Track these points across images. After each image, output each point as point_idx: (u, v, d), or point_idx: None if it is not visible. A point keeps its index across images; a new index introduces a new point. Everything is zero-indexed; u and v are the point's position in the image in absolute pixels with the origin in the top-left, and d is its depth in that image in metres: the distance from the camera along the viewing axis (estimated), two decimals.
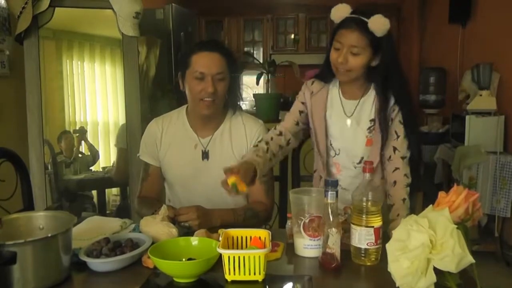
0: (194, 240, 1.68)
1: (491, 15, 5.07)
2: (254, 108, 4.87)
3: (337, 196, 1.62)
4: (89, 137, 3.97)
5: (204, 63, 2.14)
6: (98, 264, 1.60)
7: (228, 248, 1.61)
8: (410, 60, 7.58)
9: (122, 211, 3.87)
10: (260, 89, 6.28)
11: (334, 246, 1.59)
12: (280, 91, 6.20)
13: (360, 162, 2.16)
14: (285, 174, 2.58)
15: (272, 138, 2.11)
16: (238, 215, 2.11)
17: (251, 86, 5.50)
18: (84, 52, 3.99)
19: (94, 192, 4.07)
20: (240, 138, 2.28)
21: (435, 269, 1.14)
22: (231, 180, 1.76)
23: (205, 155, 2.27)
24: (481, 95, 4.58)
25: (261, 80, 4.81)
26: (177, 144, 2.30)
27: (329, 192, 1.61)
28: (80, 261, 1.59)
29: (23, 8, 3.10)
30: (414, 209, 2.06)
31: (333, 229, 1.59)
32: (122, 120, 3.74)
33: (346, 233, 1.68)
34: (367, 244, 1.62)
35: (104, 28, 3.89)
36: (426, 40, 7.39)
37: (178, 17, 4.78)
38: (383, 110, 2.09)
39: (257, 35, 8.31)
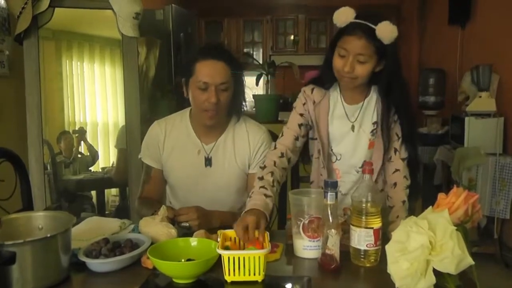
0: (193, 241, 1.68)
1: (491, 16, 5.08)
2: (254, 109, 4.87)
3: (336, 197, 1.61)
4: (89, 137, 3.97)
5: (208, 72, 2.08)
6: (97, 264, 1.60)
7: (227, 248, 1.61)
8: (409, 61, 7.58)
9: (121, 212, 3.87)
10: (260, 90, 6.28)
11: (334, 247, 1.59)
12: (279, 92, 6.21)
13: (362, 167, 2.15)
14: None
15: (275, 163, 2.00)
16: (238, 218, 2.09)
17: (251, 87, 5.49)
18: (83, 53, 4.00)
19: (93, 193, 4.08)
20: (243, 145, 2.27)
21: (434, 270, 1.14)
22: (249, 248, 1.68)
23: (208, 162, 2.25)
24: (480, 97, 4.58)
25: (261, 81, 4.81)
26: (180, 149, 2.28)
27: (329, 193, 1.60)
28: (79, 261, 1.59)
29: (23, 8, 3.10)
30: (414, 211, 2.06)
31: (333, 230, 1.58)
32: (121, 120, 3.74)
33: (345, 234, 1.68)
34: (366, 245, 1.62)
35: (103, 29, 3.89)
36: (426, 41, 7.39)
37: (178, 18, 4.79)
38: (386, 113, 2.07)
39: (257, 36, 8.32)
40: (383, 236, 1.66)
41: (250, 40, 8.34)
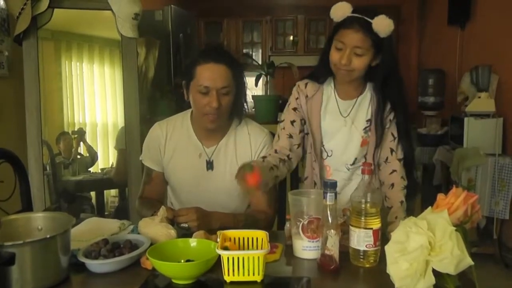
0: (193, 242, 1.67)
1: (490, 17, 5.08)
2: (253, 109, 4.87)
3: (336, 197, 1.61)
4: (88, 138, 3.97)
5: (209, 76, 2.06)
6: (96, 265, 1.60)
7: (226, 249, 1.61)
8: (409, 62, 7.59)
9: (121, 213, 3.87)
10: (259, 91, 6.28)
11: (333, 247, 1.59)
12: (279, 93, 6.21)
13: (353, 164, 2.16)
14: (284, 178, 2.58)
15: (269, 154, 2.07)
16: (238, 220, 2.09)
17: (250, 87, 5.49)
18: (83, 53, 3.99)
19: (92, 193, 4.07)
20: (245, 148, 2.26)
21: (434, 271, 1.14)
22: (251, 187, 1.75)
23: (210, 165, 2.24)
24: (479, 97, 4.59)
25: (260, 82, 4.81)
26: (181, 151, 2.27)
27: (328, 194, 1.60)
28: (79, 262, 1.59)
29: (22, 9, 3.10)
30: (413, 211, 2.06)
31: (332, 230, 1.58)
32: (121, 121, 3.74)
33: (345, 234, 1.68)
34: (365, 246, 1.62)
35: (103, 29, 3.89)
36: (425, 42, 7.40)
37: (177, 19, 4.78)
38: (380, 112, 2.09)
39: (256, 36, 8.32)
40: (382, 237, 1.66)
41: (249, 41, 8.34)
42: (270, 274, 1.55)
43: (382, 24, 1.92)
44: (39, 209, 3.05)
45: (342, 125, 2.13)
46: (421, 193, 4.80)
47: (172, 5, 4.71)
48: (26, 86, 3.23)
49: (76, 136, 3.90)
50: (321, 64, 2.13)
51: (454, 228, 1.16)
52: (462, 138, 4.56)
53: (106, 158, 4.15)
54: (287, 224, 1.85)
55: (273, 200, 2.30)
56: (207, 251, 1.57)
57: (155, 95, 4.46)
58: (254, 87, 5.05)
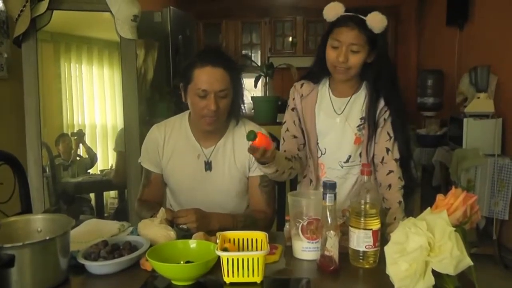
0: (192, 243, 1.68)
1: (489, 18, 5.08)
2: (252, 111, 4.87)
3: (335, 198, 1.62)
4: (87, 140, 3.96)
5: (207, 80, 2.06)
6: (96, 267, 1.60)
7: (226, 250, 1.61)
8: (408, 63, 7.60)
9: (120, 214, 3.86)
10: (258, 92, 6.29)
11: (332, 248, 1.59)
12: (278, 94, 6.21)
13: (347, 161, 2.17)
14: None
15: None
16: (237, 221, 2.10)
17: (249, 89, 5.49)
18: (82, 55, 3.99)
19: (92, 195, 4.07)
20: (243, 148, 2.24)
21: (433, 271, 1.15)
22: (252, 133, 1.75)
23: (208, 166, 2.25)
24: (478, 98, 4.59)
25: (259, 83, 4.82)
26: (179, 153, 2.28)
27: (327, 195, 1.61)
28: (78, 264, 1.59)
29: (21, 11, 3.10)
30: (412, 212, 2.07)
31: (331, 231, 1.59)
32: (120, 122, 3.74)
33: (344, 235, 1.68)
34: (365, 247, 1.62)
35: (102, 31, 3.89)
36: (424, 43, 7.40)
37: (176, 20, 4.78)
38: (373, 108, 2.11)
39: (255, 38, 8.32)
40: (381, 238, 1.66)
41: (248, 42, 8.34)
42: (269, 275, 1.55)
43: (376, 20, 1.97)
44: (39, 211, 3.05)
45: (335, 122, 2.16)
46: (421, 194, 4.80)
47: (171, 7, 4.71)
48: (25, 88, 3.23)
49: (75, 137, 3.89)
50: (316, 64, 2.17)
51: (454, 228, 1.16)
52: (461, 138, 4.56)
53: (106, 160, 4.15)
54: (287, 225, 1.85)
55: (272, 200, 2.31)
56: (207, 253, 1.57)
57: (154, 97, 4.46)
58: (253, 88, 5.06)
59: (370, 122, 2.11)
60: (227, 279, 1.50)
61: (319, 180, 2.20)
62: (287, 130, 2.23)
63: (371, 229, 1.61)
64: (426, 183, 5.27)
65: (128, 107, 3.45)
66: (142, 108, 3.69)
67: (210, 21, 8.17)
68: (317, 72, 2.19)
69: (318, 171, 2.23)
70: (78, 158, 3.93)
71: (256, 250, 1.65)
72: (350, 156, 2.16)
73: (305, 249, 1.72)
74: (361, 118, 2.13)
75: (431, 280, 1.15)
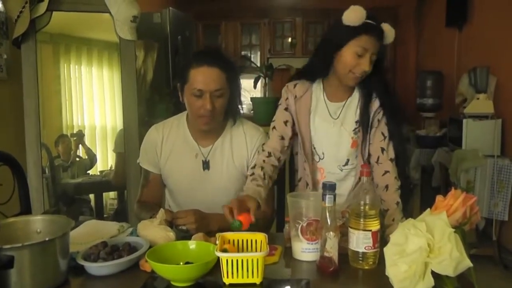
0: (192, 244, 1.68)
1: (488, 18, 5.09)
2: (252, 111, 4.87)
3: (335, 199, 1.62)
4: (87, 141, 3.96)
5: (202, 80, 2.08)
6: (95, 268, 1.60)
7: (225, 251, 1.61)
8: (407, 64, 7.60)
9: (120, 215, 3.86)
10: (258, 93, 6.29)
11: (332, 249, 1.59)
12: (277, 95, 6.21)
13: (346, 164, 2.18)
14: (282, 178, 2.58)
15: (264, 161, 2.06)
16: None
17: (249, 89, 5.50)
18: (81, 56, 3.99)
19: (91, 196, 4.07)
20: (241, 147, 2.27)
21: (433, 273, 1.15)
22: (236, 222, 1.72)
23: (206, 165, 2.25)
24: (478, 99, 4.59)
25: (259, 84, 4.82)
26: (177, 153, 2.28)
27: (327, 196, 1.61)
28: (78, 265, 1.59)
29: (21, 12, 3.10)
30: (412, 213, 2.07)
31: (331, 232, 1.59)
32: (119, 123, 3.74)
33: (344, 236, 1.68)
34: (365, 248, 1.62)
35: (101, 32, 3.89)
36: (423, 44, 7.40)
37: (176, 21, 4.78)
38: (366, 110, 2.12)
39: (254, 39, 8.31)
40: (381, 239, 1.66)
41: (248, 43, 8.34)
42: (269, 276, 1.55)
43: (390, 31, 2.02)
44: (38, 212, 3.05)
45: (331, 127, 2.16)
46: (420, 195, 4.81)
47: (170, 8, 4.71)
48: (24, 89, 3.23)
49: (75, 138, 3.89)
50: (318, 63, 2.15)
51: (453, 230, 1.16)
52: (460, 139, 4.57)
53: (105, 161, 4.15)
54: (286, 226, 1.85)
55: (271, 199, 2.31)
56: (206, 254, 1.57)
57: (153, 98, 4.46)
58: (252, 89, 5.06)
59: (364, 124, 2.12)
60: (227, 280, 1.50)
61: (318, 183, 2.20)
62: (275, 128, 2.21)
63: (370, 230, 1.61)
64: (425, 184, 5.27)
65: (127, 108, 3.45)
66: (141, 109, 3.69)
67: (209, 22, 8.17)
68: (316, 72, 2.18)
69: (316, 174, 2.23)
70: (77, 159, 3.93)
71: (256, 251, 1.65)
72: (348, 160, 2.17)
73: (305, 250, 1.72)
74: (356, 122, 2.14)
75: (430, 281, 1.15)
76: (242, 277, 1.49)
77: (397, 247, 1.21)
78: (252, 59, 7.29)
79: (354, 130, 2.14)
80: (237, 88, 2.23)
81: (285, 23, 8.19)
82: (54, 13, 3.25)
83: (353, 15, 1.98)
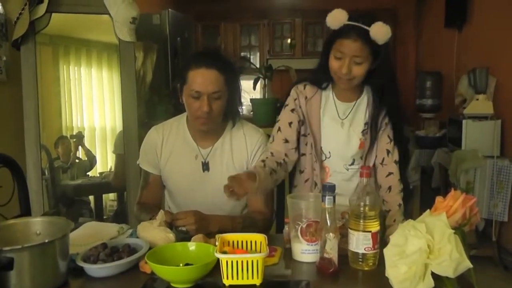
0: (192, 245, 1.68)
1: (488, 19, 5.09)
2: (251, 113, 4.88)
3: (334, 201, 1.62)
4: (86, 142, 3.96)
5: (201, 81, 2.07)
6: (95, 269, 1.60)
7: (225, 253, 1.61)
8: (406, 65, 7.60)
9: (119, 217, 3.86)
10: (257, 94, 6.29)
11: (332, 251, 1.59)
12: (277, 96, 6.21)
13: (352, 164, 2.17)
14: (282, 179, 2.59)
15: (267, 157, 2.06)
16: (236, 222, 2.10)
17: (248, 91, 5.51)
18: (81, 58, 3.99)
19: (91, 198, 4.07)
20: (241, 148, 2.27)
21: (433, 274, 1.14)
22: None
23: (206, 166, 2.25)
24: (477, 99, 4.59)
25: (258, 85, 4.83)
26: (177, 154, 2.28)
27: (327, 197, 1.61)
28: (77, 266, 1.59)
29: (20, 14, 3.10)
30: (411, 214, 2.07)
31: (331, 234, 1.59)
32: (119, 125, 3.74)
33: (343, 238, 1.68)
34: (364, 249, 1.62)
35: (100, 34, 3.89)
36: (423, 44, 7.41)
37: (175, 22, 4.79)
38: (375, 113, 2.11)
39: (254, 40, 8.32)
40: (381, 240, 1.66)
41: (247, 44, 8.34)
42: (269, 277, 1.55)
43: (380, 32, 1.91)
44: (38, 213, 3.05)
45: (339, 127, 2.15)
46: (420, 196, 4.80)
47: (169, 9, 4.72)
48: (24, 90, 3.23)
49: (74, 140, 3.90)
50: (320, 70, 2.14)
51: (453, 231, 1.16)
52: (460, 140, 4.56)
53: (105, 162, 4.15)
54: (286, 228, 1.85)
55: (270, 200, 2.32)
56: (206, 255, 1.57)
57: (153, 99, 4.46)
58: (252, 90, 5.05)
59: (372, 129, 2.11)
60: (227, 282, 1.49)
61: (323, 182, 2.19)
62: (279, 130, 2.19)
63: (370, 231, 1.61)
64: (425, 185, 5.26)
65: (127, 110, 3.45)
66: (141, 111, 3.69)
67: (208, 23, 8.18)
68: (321, 78, 2.17)
69: (323, 174, 2.22)
70: (77, 161, 3.93)
71: (256, 252, 1.64)
72: (354, 160, 2.16)
73: (305, 251, 1.72)
74: (365, 123, 2.14)
75: (430, 282, 1.15)
76: (242, 278, 1.49)
77: (397, 248, 1.21)
78: (251, 60, 7.30)
79: (362, 131, 2.14)
80: (237, 90, 2.23)
81: (284, 24, 8.20)
82: (54, 14, 3.26)
83: (331, 19, 1.98)
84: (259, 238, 1.66)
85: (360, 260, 1.63)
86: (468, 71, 4.87)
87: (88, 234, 1.90)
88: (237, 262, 1.48)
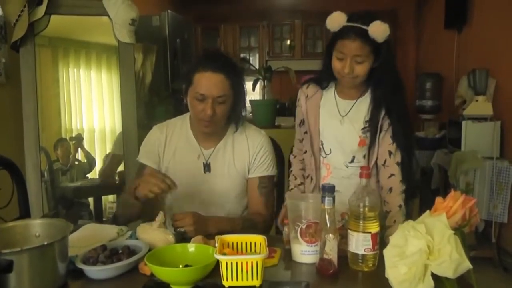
0: (191, 247, 1.67)
1: (487, 20, 5.09)
2: (251, 114, 4.87)
3: (334, 202, 1.61)
4: (86, 144, 3.96)
5: (206, 85, 2.07)
6: (94, 271, 1.59)
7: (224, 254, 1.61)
8: (406, 66, 7.60)
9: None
10: (256, 95, 6.28)
11: (331, 252, 1.59)
12: (276, 97, 6.22)
13: (352, 161, 2.17)
14: (282, 180, 2.58)
15: (299, 174, 2.35)
16: (235, 224, 2.10)
17: (248, 92, 5.50)
18: (80, 59, 3.99)
19: (90, 200, 4.07)
20: (243, 150, 2.27)
21: (432, 275, 1.14)
22: None
23: (207, 167, 2.25)
24: (477, 101, 4.59)
25: (257, 86, 4.81)
26: (180, 154, 2.28)
27: (326, 198, 1.61)
28: (77, 268, 1.59)
29: (19, 16, 3.10)
30: (411, 215, 2.07)
31: (330, 235, 1.58)
32: (118, 127, 3.74)
33: (343, 239, 1.68)
34: (364, 250, 1.62)
35: (100, 35, 3.89)
36: (422, 46, 7.41)
37: (174, 24, 4.79)
38: (376, 113, 2.12)
39: (253, 41, 8.33)
40: (381, 240, 1.66)
41: (247, 46, 8.36)
42: (268, 278, 1.55)
43: (378, 30, 1.95)
44: (37, 216, 3.04)
45: (339, 124, 2.17)
46: (419, 197, 4.80)
47: (169, 11, 4.72)
48: (23, 92, 3.23)
49: (74, 142, 3.90)
50: (323, 71, 2.18)
51: (453, 232, 1.16)
52: (460, 141, 4.57)
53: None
54: (286, 229, 1.85)
55: (270, 202, 2.34)
56: (206, 256, 1.57)
57: (152, 101, 4.46)
58: (251, 92, 5.05)
59: (372, 128, 2.11)
60: (226, 283, 1.49)
61: (324, 180, 2.21)
62: (296, 131, 2.37)
63: (370, 232, 1.61)
64: (425, 186, 5.26)
65: (126, 111, 3.45)
66: (140, 112, 3.70)
67: (208, 25, 8.19)
68: (325, 78, 2.21)
69: (320, 170, 2.24)
70: (76, 163, 3.93)
71: (255, 253, 1.64)
72: (354, 157, 2.17)
73: (304, 253, 1.71)
74: (366, 121, 2.14)
75: (430, 283, 1.14)
76: (242, 279, 1.48)
77: (397, 249, 1.21)
78: (251, 62, 7.29)
79: (363, 129, 2.14)
80: (241, 95, 2.23)
81: (283, 26, 8.22)
82: (53, 16, 3.26)
83: (331, 21, 2.03)
84: (258, 239, 1.66)
85: (360, 261, 1.63)
86: (468, 72, 4.88)
87: (88, 236, 1.89)
88: (236, 263, 1.48)
